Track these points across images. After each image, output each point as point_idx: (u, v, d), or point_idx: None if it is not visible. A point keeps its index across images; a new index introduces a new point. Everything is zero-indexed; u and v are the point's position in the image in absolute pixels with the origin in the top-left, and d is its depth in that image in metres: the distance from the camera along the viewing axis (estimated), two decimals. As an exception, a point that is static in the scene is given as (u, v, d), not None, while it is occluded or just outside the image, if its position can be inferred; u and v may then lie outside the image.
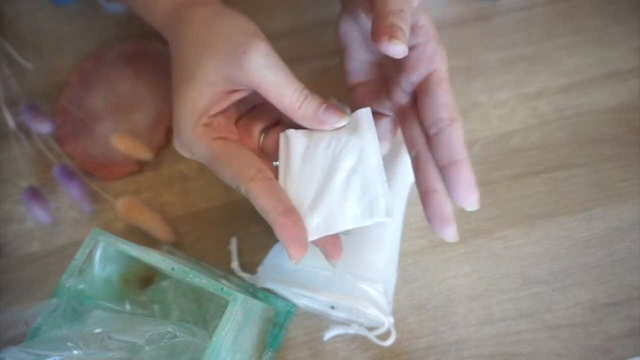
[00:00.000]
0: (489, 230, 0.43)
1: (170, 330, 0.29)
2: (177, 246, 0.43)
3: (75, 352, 0.27)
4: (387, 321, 0.37)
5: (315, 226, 0.29)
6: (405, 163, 0.41)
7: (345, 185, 0.30)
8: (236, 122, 0.33)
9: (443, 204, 0.29)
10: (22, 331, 0.30)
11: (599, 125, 0.46)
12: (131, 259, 0.32)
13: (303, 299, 0.39)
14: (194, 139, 0.30)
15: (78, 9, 0.55)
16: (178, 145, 0.32)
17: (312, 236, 0.29)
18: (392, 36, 0.27)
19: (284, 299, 0.41)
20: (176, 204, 0.45)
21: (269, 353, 0.39)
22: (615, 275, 0.41)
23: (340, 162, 0.30)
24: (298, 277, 0.38)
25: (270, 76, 0.29)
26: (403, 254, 0.42)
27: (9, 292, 0.42)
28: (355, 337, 0.40)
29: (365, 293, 0.37)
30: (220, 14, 0.32)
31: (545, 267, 0.41)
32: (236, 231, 0.44)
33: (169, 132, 0.48)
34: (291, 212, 0.29)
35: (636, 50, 0.49)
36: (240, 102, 0.33)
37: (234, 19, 0.32)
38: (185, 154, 0.32)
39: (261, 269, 0.40)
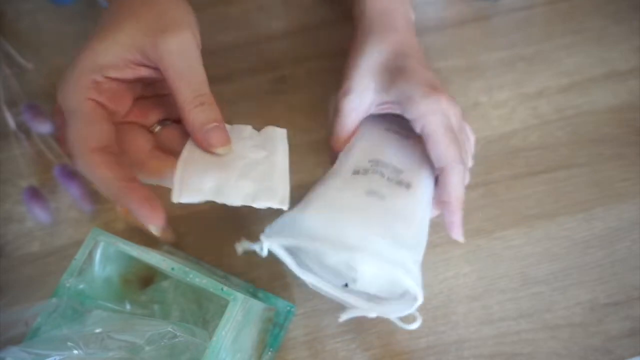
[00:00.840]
0: (489, 230, 0.43)
1: (170, 330, 0.29)
2: (177, 246, 0.43)
3: (75, 351, 0.27)
4: (420, 297, 0.31)
5: (208, 189, 0.29)
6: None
7: (248, 168, 0.30)
8: (135, 100, 0.32)
9: (452, 214, 0.35)
10: (22, 331, 0.30)
11: (599, 125, 0.46)
12: (131, 259, 0.32)
13: (314, 268, 0.33)
14: (75, 88, 0.29)
15: (78, 9, 0.55)
16: (59, 88, 0.30)
17: (200, 196, 0.29)
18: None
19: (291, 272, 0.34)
20: (176, 204, 0.45)
21: (269, 353, 0.39)
22: (615, 275, 0.41)
23: (249, 152, 0.31)
24: (315, 233, 0.32)
25: (178, 65, 0.28)
26: (403, 254, 0.42)
27: (9, 292, 0.42)
28: (355, 337, 0.40)
29: (400, 259, 0.31)
30: None
31: (545, 267, 0.41)
32: (236, 231, 0.44)
33: (169, 132, 0.48)
34: (136, 181, 0.29)
35: (636, 50, 0.49)
36: (150, 84, 0.32)
37: (177, 2, 0.31)
38: (59, 98, 0.30)
39: (269, 228, 0.34)
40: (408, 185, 0.34)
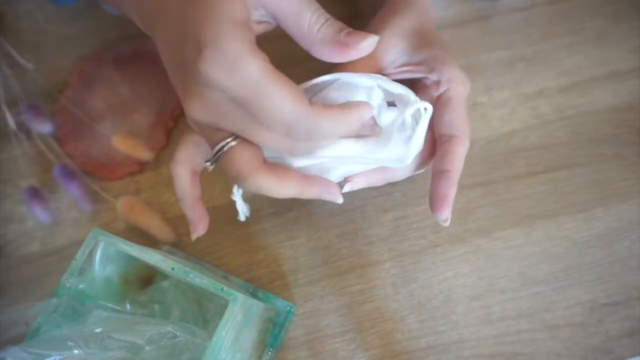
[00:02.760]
0: (489, 230, 0.43)
1: (171, 330, 0.29)
2: (177, 246, 0.43)
3: (75, 351, 0.27)
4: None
5: None
6: None
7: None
8: None
9: (448, 186, 0.31)
10: (22, 331, 0.30)
11: (599, 125, 0.46)
12: (131, 259, 0.32)
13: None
14: (243, 53, 0.24)
15: (78, 9, 0.55)
16: (210, 62, 0.24)
17: None
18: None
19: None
20: (176, 204, 0.45)
21: (269, 353, 0.39)
22: (615, 275, 0.41)
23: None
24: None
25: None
26: (403, 254, 0.42)
27: (9, 292, 0.42)
28: (355, 337, 0.40)
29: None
30: None
31: (545, 267, 0.41)
32: (236, 231, 0.44)
33: (169, 133, 0.48)
34: None
35: (636, 50, 0.49)
36: None
37: None
38: (217, 75, 0.24)
39: None
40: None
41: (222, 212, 0.45)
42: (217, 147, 0.28)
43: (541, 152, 0.45)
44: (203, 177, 0.46)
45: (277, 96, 0.24)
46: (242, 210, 0.33)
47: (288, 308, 0.40)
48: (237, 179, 0.28)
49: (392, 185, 0.34)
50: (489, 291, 0.41)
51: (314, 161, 0.31)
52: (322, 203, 0.44)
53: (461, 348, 0.39)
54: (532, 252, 0.42)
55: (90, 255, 0.32)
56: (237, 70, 0.24)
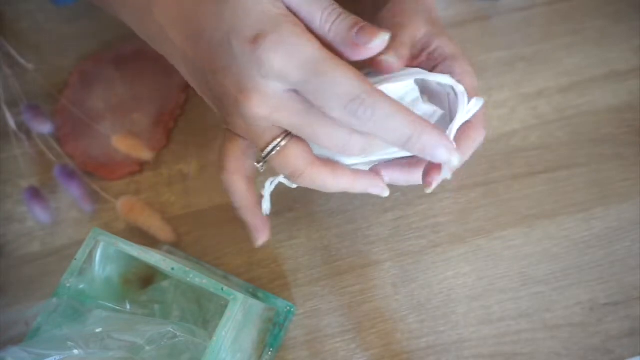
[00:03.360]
0: (489, 230, 0.43)
1: (171, 330, 0.29)
2: (177, 246, 0.43)
3: (75, 351, 0.27)
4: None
5: None
6: None
7: None
8: None
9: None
10: (22, 331, 0.30)
11: (599, 125, 0.46)
12: (131, 259, 0.32)
13: None
14: (302, 35, 0.24)
15: (78, 9, 0.55)
16: (271, 50, 0.24)
17: None
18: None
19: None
20: (176, 204, 0.45)
21: (269, 353, 0.39)
22: (614, 275, 0.41)
23: None
24: None
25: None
26: (403, 254, 0.42)
27: (9, 292, 0.42)
28: (355, 337, 0.40)
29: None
30: None
31: (545, 267, 0.41)
32: (236, 231, 0.44)
33: (169, 133, 0.48)
34: None
35: (636, 51, 0.49)
36: None
37: None
38: (279, 61, 0.24)
39: None
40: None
41: (222, 212, 0.45)
42: (270, 147, 0.28)
43: (541, 152, 0.45)
44: (203, 177, 0.46)
45: (339, 72, 0.24)
46: (268, 205, 0.33)
47: (288, 308, 0.40)
48: (293, 175, 0.28)
49: (392, 185, 0.34)
50: (489, 291, 0.41)
51: (363, 160, 0.31)
52: (323, 203, 0.44)
53: (461, 348, 0.39)
54: (532, 252, 0.42)
55: (90, 255, 0.32)
56: (298, 53, 0.24)
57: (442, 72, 0.33)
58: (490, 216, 0.43)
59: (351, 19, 0.27)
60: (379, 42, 0.26)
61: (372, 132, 0.26)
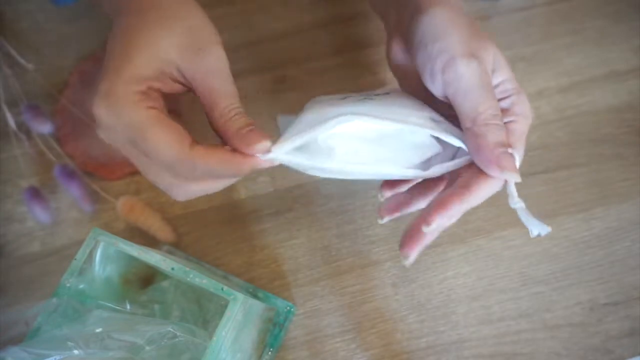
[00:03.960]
0: (489, 230, 0.43)
1: (171, 330, 0.29)
2: (177, 246, 0.43)
3: (75, 351, 0.27)
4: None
5: None
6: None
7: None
8: None
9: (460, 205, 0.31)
10: (22, 331, 0.30)
11: (599, 125, 0.46)
12: (131, 259, 0.32)
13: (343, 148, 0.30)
14: (127, 102, 0.28)
15: (78, 9, 0.55)
16: (100, 106, 0.28)
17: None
18: (502, 168, 0.30)
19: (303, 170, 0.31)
20: (176, 204, 0.45)
21: (269, 353, 0.39)
22: (614, 275, 0.41)
23: None
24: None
25: (214, 83, 0.29)
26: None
27: (9, 292, 0.42)
28: (355, 337, 0.40)
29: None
30: (187, 3, 0.31)
31: (545, 267, 0.41)
32: (236, 231, 0.44)
33: (169, 132, 0.48)
34: (238, 134, 0.29)
35: (636, 51, 0.49)
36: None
37: (200, 13, 0.31)
38: (105, 117, 0.28)
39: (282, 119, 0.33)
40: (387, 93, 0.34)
41: (222, 212, 0.45)
42: None
43: (541, 152, 0.45)
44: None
45: (157, 139, 0.28)
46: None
47: (288, 308, 0.40)
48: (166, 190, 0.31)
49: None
50: (489, 291, 0.41)
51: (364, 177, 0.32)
52: (323, 203, 0.44)
53: (461, 348, 0.39)
54: (532, 252, 0.42)
55: (90, 255, 0.32)
56: (122, 116, 0.28)
57: (503, 106, 0.32)
58: (490, 216, 0.43)
59: (244, 120, 0.29)
60: (258, 147, 0.28)
61: (189, 189, 0.30)
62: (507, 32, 0.51)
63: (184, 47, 0.29)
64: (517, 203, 0.31)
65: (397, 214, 0.35)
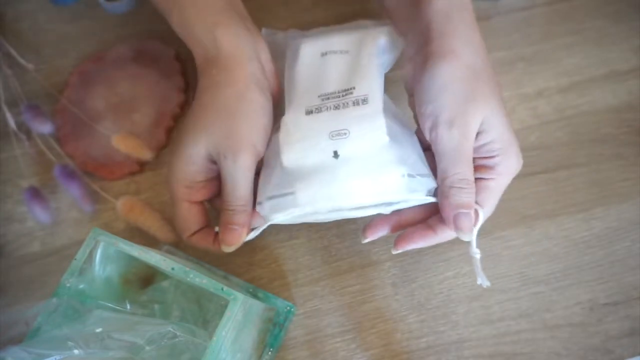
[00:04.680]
0: (489, 230, 0.43)
1: (171, 330, 0.29)
2: (177, 246, 0.43)
3: (75, 351, 0.27)
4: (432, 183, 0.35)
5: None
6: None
7: None
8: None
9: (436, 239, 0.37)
10: (22, 331, 0.30)
11: (599, 126, 0.46)
12: (131, 259, 0.32)
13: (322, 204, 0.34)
14: (175, 190, 0.37)
15: (78, 9, 0.55)
16: (168, 177, 0.37)
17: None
18: (457, 227, 0.34)
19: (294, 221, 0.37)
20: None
21: (269, 353, 0.39)
22: (614, 275, 0.41)
23: None
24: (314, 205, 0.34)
25: (228, 183, 0.35)
26: (403, 254, 0.42)
27: (9, 292, 0.42)
28: (355, 337, 0.40)
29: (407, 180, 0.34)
30: (241, 94, 0.36)
31: (545, 267, 0.41)
32: (236, 231, 0.44)
33: (169, 133, 0.48)
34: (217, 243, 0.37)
35: (636, 51, 0.49)
36: None
37: (251, 112, 0.36)
38: (168, 186, 0.38)
39: (263, 204, 0.36)
40: (365, 100, 0.35)
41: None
42: None
43: (541, 152, 0.45)
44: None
45: (175, 218, 0.39)
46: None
47: (288, 308, 0.40)
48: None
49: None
50: (489, 291, 0.41)
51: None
52: (322, 203, 0.44)
53: (461, 348, 0.39)
54: (532, 252, 0.42)
55: (90, 255, 0.32)
56: (170, 192, 0.38)
57: (486, 164, 0.35)
58: (490, 216, 0.43)
59: (240, 216, 0.36)
60: (233, 244, 0.38)
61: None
62: (507, 32, 0.51)
63: (219, 147, 0.35)
64: (475, 253, 0.36)
65: (378, 237, 0.38)
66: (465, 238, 0.34)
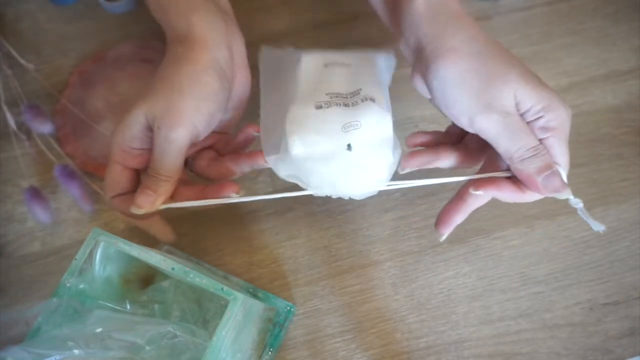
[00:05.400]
0: (489, 230, 0.43)
1: (171, 330, 0.29)
2: (177, 246, 0.43)
3: (76, 351, 0.27)
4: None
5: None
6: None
7: None
8: None
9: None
10: (23, 330, 0.30)
11: (599, 126, 0.46)
12: (131, 258, 0.32)
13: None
14: (112, 149, 0.36)
15: (78, 9, 0.55)
16: (110, 137, 0.37)
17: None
18: (552, 191, 0.33)
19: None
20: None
21: (269, 353, 0.39)
22: (614, 275, 0.41)
23: None
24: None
25: (156, 153, 0.35)
26: (403, 254, 0.42)
27: (9, 292, 0.42)
28: (355, 337, 0.40)
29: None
30: (196, 74, 0.36)
31: (545, 267, 0.41)
32: (236, 231, 0.44)
33: (169, 132, 0.48)
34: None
35: (636, 51, 0.49)
36: None
37: (200, 86, 0.35)
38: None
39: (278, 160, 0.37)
40: (372, 99, 0.36)
41: (222, 212, 0.45)
42: None
43: (541, 152, 0.45)
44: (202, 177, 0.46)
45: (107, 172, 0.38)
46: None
47: (288, 308, 0.40)
48: None
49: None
50: (489, 291, 0.41)
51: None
52: (322, 203, 0.44)
53: (461, 348, 0.39)
54: (532, 252, 0.42)
55: (91, 255, 0.32)
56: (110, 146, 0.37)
57: (538, 126, 0.33)
58: (490, 216, 0.43)
59: (163, 186, 0.35)
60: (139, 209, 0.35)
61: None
62: (507, 32, 0.51)
63: (159, 119, 0.34)
64: (576, 203, 0.34)
65: (417, 167, 0.37)
66: (563, 196, 0.33)
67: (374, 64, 0.41)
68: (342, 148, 0.34)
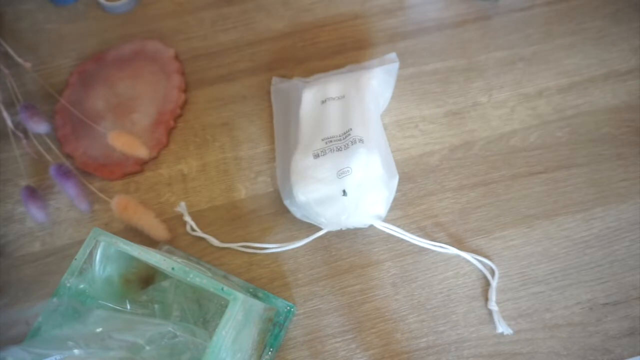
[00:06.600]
0: (489, 230, 0.43)
1: (171, 330, 0.29)
2: (177, 246, 0.43)
3: (76, 351, 0.27)
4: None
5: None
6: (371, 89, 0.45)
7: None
8: None
9: None
10: (23, 330, 0.30)
11: (599, 126, 0.46)
12: (132, 258, 0.32)
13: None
14: None
15: (78, 9, 0.55)
16: None
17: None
18: None
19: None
20: (176, 204, 0.45)
21: (269, 353, 0.39)
22: (614, 275, 0.41)
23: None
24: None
25: None
26: (403, 254, 0.42)
27: (9, 292, 0.42)
28: (355, 337, 0.40)
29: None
30: None
31: (545, 267, 0.41)
32: (236, 231, 0.44)
33: (169, 132, 0.48)
34: None
35: (635, 51, 0.49)
36: None
37: None
38: None
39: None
40: (361, 140, 0.40)
41: (222, 212, 0.45)
42: None
43: (541, 152, 0.45)
44: (202, 177, 0.46)
45: None
46: None
47: (288, 308, 0.40)
48: None
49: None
50: (489, 291, 0.41)
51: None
52: (322, 203, 0.44)
53: (461, 348, 0.39)
54: (531, 252, 0.42)
55: (91, 255, 0.32)
56: None
57: None
58: (490, 216, 0.43)
59: None
60: None
61: None
62: (506, 32, 0.51)
63: None
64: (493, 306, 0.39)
65: None
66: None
67: (367, 89, 0.44)
68: (339, 194, 0.39)
